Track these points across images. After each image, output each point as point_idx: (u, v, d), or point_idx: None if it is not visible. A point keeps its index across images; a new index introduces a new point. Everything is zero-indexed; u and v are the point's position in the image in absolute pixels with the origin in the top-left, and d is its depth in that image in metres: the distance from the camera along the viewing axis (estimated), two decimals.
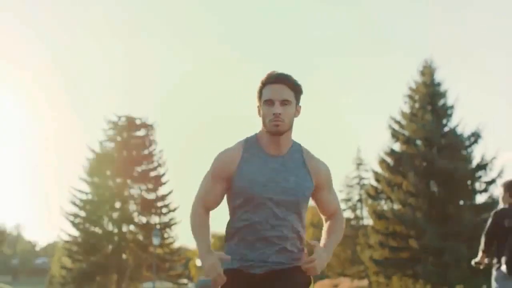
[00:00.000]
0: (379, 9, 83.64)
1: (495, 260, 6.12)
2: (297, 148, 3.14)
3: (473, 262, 6.35)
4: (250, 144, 3.11)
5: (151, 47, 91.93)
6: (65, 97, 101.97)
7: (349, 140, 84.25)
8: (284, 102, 3.01)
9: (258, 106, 3.11)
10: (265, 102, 3.03)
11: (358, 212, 41.29)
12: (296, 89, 3.07)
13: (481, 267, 6.21)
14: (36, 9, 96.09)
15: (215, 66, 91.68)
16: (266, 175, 3.02)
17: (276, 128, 3.00)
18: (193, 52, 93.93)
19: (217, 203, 3.14)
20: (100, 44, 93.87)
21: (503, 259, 5.95)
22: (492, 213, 6.26)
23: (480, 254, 6.23)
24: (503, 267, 5.94)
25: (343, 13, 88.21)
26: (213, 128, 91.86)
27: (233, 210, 3.10)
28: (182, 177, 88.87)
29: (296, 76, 3.08)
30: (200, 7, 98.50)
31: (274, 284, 3.01)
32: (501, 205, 6.29)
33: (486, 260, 6.15)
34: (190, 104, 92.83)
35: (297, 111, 3.10)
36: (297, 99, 3.08)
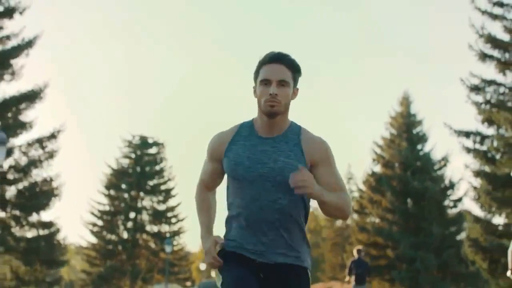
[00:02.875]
0: (379, 12, 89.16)
1: (353, 278, 13.53)
2: (295, 129, 3.12)
3: (345, 280, 14.30)
4: (244, 127, 3.16)
5: (151, 49, 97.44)
6: (64, 98, 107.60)
7: (349, 141, 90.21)
8: (281, 83, 3.01)
9: (254, 87, 3.11)
10: (261, 82, 3.03)
11: (349, 222, 47.68)
12: (295, 69, 3.07)
13: (349, 283, 13.82)
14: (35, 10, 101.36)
15: (216, 69, 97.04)
16: (252, 157, 3.05)
17: (271, 109, 2.99)
18: (193, 56, 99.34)
19: (215, 183, 3.31)
20: (100, 45, 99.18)
21: (353, 278, 14.04)
22: (350, 261, 14.48)
23: (347, 277, 14.27)
24: (353, 282, 14.07)
25: (343, 15, 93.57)
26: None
27: (227, 193, 3.20)
28: (190, 190, 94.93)
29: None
30: (200, 10, 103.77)
31: (274, 283, 3.05)
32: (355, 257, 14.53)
33: (350, 279, 13.49)
34: (192, 109, 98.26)
35: (294, 94, 3.09)
36: (295, 81, 3.08)
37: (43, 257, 21.86)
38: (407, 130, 35.64)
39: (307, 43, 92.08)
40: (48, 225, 22.67)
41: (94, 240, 41.86)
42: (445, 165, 35.20)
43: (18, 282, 21.35)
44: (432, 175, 35.00)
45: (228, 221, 3.19)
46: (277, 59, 3.04)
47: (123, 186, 42.33)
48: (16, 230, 21.86)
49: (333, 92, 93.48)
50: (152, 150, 43.59)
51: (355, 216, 37.46)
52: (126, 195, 42.32)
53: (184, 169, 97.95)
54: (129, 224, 41.89)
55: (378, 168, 36.30)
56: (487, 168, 20.60)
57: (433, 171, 35.14)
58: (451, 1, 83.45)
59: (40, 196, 21.95)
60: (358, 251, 15.09)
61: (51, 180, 22.09)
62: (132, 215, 41.96)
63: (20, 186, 21.79)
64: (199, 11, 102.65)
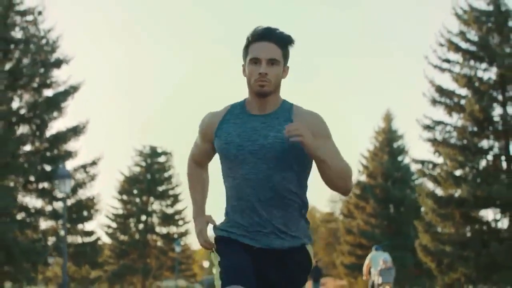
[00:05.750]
0: (380, 10, 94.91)
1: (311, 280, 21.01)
2: (287, 106, 3.19)
3: None
4: (236, 106, 3.25)
5: (150, 49, 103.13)
6: None
7: (349, 141, 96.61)
8: (271, 61, 3.07)
9: (243, 65, 3.19)
10: (251, 60, 3.10)
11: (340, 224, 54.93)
12: (285, 46, 3.14)
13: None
14: None
15: (216, 69, 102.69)
16: (242, 135, 3.13)
17: (261, 88, 3.07)
18: (193, 56, 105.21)
19: (207, 160, 3.43)
20: (100, 45, 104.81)
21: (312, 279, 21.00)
22: None
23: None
24: (312, 281, 21.31)
25: (343, 14, 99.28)
26: None
27: (222, 173, 3.26)
28: None
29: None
30: (200, 9, 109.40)
31: (271, 269, 3.13)
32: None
33: (309, 280, 20.97)
34: (192, 110, 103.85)
35: (284, 72, 3.17)
36: (286, 58, 3.16)
37: (88, 259, 29.25)
38: (388, 144, 42.85)
39: (306, 41, 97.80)
40: (90, 233, 30.19)
41: (108, 240, 48.82)
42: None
43: (68, 280, 28.75)
44: (410, 184, 42.26)
45: (226, 202, 3.25)
46: (267, 36, 3.10)
47: (135, 191, 49.01)
48: (67, 238, 29.29)
49: (332, 91, 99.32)
50: (161, 159, 50.56)
51: (344, 219, 44.73)
52: (137, 200, 48.99)
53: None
54: (141, 226, 48.60)
55: (363, 178, 43.54)
56: (434, 190, 27.90)
57: (411, 181, 42.38)
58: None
59: (84, 210, 29.35)
60: (316, 261, 22.50)
61: (93, 198, 29.51)
62: (143, 218, 48.59)
63: (69, 203, 29.01)
64: (199, 12, 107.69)
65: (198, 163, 3.44)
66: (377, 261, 16.96)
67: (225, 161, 3.20)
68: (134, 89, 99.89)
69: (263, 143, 3.09)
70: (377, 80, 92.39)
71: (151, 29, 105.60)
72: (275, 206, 3.11)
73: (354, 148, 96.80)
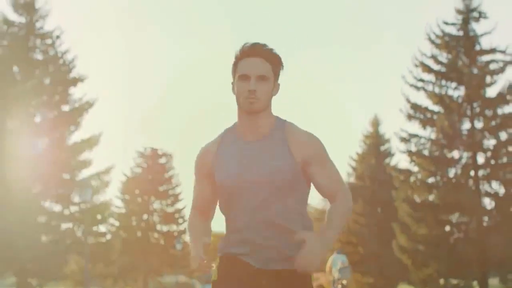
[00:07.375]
0: (378, 7, 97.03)
1: None
2: (280, 126, 3.19)
3: None
4: (228, 133, 3.25)
5: (154, 39, 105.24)
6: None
7: (344, 131, 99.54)
8: (261, 78, 3.07)
9: (232, 83, 3.18)
10: (240, 77, 3.10)
11: None
12: (275, 62, 3.13)
13: None
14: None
15: (215, 64, 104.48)
16: (240, 165, 3.14)
17: (251, 106, 3.08)
18: (191, 50, 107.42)
19: (210, 204, 3.35)
20: (101, 34, 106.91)
21: None
22: None
23: None
24: None
25: (339, 10, 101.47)
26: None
27: (220, 206, 3.29)
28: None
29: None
30: (201, 7, 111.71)
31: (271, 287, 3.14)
32: None
33: None
34: (194, 102, 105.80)
35: (275, 88, 3.16)
36: (276, 74, 3.15)
37: (102, 258, 33.85)
38: (375, 148, 47.33)
39: (302, 32, 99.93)
40: (103, 234, 34.81)
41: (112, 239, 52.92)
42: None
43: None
44: (396, 186, 46.71)
45: (224, 238, 3.29)
46: (255, 51, 3.10)
47: (137, 191, 53.04)
48: (82, 238, 33.81)
49: (328, 82, 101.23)
50: (162, 160, 54.78)
51: None
52: (139, 199, 52.86)
53: (187, 173, 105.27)
54: (142, 225, 52.38)
55: (352, 179, 48.05)
56: (410, 196, 32.51)
57: (397, 182, 46.84)
58: None
59: (98, 214, 33.86)
60: None
61: (106, 203, 34.06)
62: (144, 216, 52.42)
63: (83, 206, 33.51)
64: (200, 8, 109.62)
65: (202, 212, 3.39)
66: (337, 262, 21.76)
67: (224, 193, 3.21)
68: (133, 91, 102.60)
69: (262, 172, 3.11)
70: (368, 84, 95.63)
71: (151, 27, 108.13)
72: (279, 233, 3.14)
73: (352, 148, 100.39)
